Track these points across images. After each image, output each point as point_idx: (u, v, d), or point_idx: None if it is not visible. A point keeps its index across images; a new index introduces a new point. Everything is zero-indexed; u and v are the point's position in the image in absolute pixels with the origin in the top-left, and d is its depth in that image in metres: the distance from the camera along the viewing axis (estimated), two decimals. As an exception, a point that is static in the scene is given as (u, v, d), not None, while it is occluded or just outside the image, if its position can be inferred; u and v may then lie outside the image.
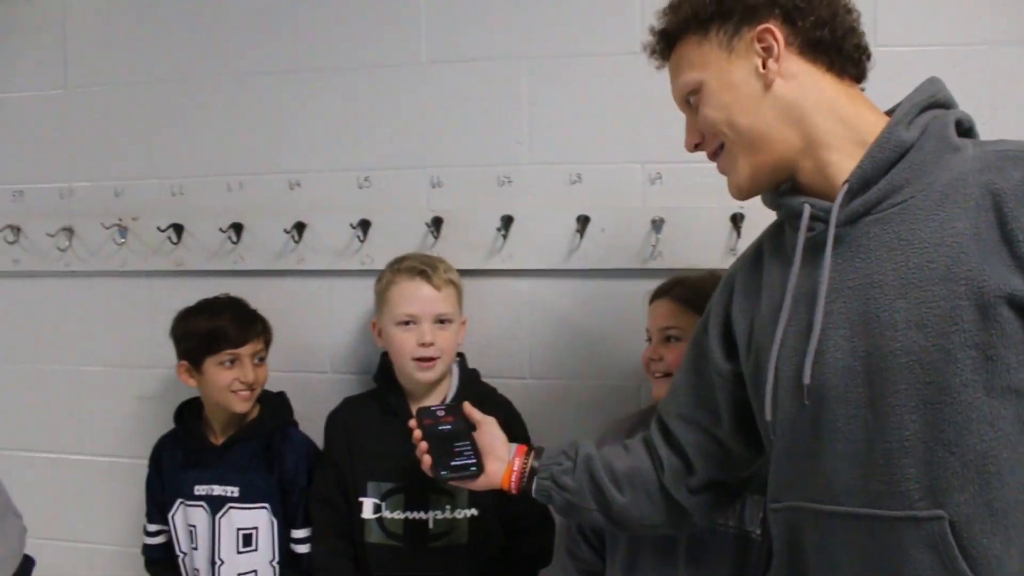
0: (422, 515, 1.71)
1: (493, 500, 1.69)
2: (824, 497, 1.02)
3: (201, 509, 1.83)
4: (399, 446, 1.66)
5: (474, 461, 1.32)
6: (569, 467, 1.31)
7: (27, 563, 1.71)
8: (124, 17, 2.15)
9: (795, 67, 1.04)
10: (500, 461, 1.34)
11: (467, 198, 1.93)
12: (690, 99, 1.11)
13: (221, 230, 2.03)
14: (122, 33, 2.15)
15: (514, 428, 1.74)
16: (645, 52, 1.17)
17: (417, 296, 1.72)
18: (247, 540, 1.81)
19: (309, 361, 2.05)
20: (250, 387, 1.81)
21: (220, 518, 1.81)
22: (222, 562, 1.81)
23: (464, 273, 1.84)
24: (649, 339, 1.63)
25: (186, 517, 1.84)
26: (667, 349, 1.57)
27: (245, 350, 1.81)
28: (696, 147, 1.14)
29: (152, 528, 1.93)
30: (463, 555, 1.71)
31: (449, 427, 1.36)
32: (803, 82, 1.04)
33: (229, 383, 1.79)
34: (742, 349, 1.15)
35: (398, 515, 1.71)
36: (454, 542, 1.71)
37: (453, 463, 1.31)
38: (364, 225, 1.95)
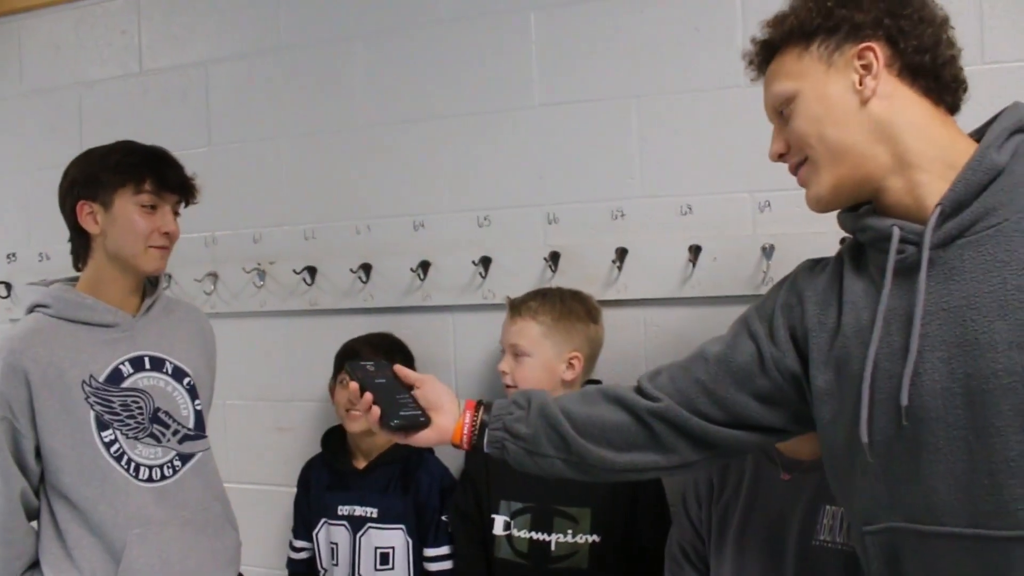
0: (545, 537, 1.78)
1: (617, 529, 1.75)
2: (925, 517, 1.00)
3: (343, 528, 1.95)
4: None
5: (421, 412, 1.23)
6: (522, 415, 1.25)
7: None
8: (258, 80, 2.35)
9: (891, 88, 1.05)
10: (449, 416, 1.26)
11: (583, 232, 2.02)
12: (783, 110, 1.12)
13: (351, 270, 2.17)
14: (257, 94, 2.36)
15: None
16: (744, 60, 1.19)
17: (503, 327, 1.87)
18: (384, 558, 1.92)
19: (435, 391, 2.15)
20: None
21: (360, 537, 1.93)
22: (361, 578, 1.93)
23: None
24: None
25: (329, 535, 1.97)
26: None
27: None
28: (780, 157, 1.16)
29: (298, 544, 2.08)
30: None
31: (385, 380, 1.25)
32: (897, 103, 1.04)
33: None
34: (817, 361, 1.12)
35: (524, 534, 1.79)
36: (575, 566, 1.76)
37: (402, 413, 1.20)
38: (485, 262, 2.06)
